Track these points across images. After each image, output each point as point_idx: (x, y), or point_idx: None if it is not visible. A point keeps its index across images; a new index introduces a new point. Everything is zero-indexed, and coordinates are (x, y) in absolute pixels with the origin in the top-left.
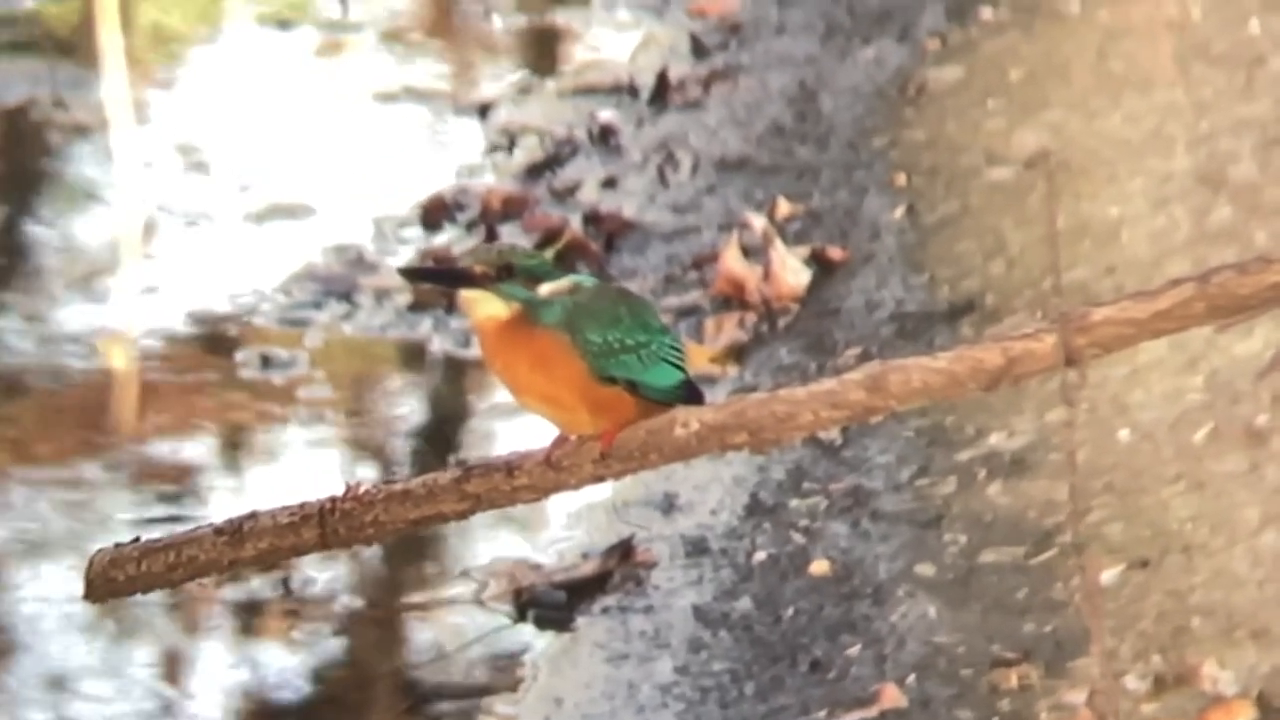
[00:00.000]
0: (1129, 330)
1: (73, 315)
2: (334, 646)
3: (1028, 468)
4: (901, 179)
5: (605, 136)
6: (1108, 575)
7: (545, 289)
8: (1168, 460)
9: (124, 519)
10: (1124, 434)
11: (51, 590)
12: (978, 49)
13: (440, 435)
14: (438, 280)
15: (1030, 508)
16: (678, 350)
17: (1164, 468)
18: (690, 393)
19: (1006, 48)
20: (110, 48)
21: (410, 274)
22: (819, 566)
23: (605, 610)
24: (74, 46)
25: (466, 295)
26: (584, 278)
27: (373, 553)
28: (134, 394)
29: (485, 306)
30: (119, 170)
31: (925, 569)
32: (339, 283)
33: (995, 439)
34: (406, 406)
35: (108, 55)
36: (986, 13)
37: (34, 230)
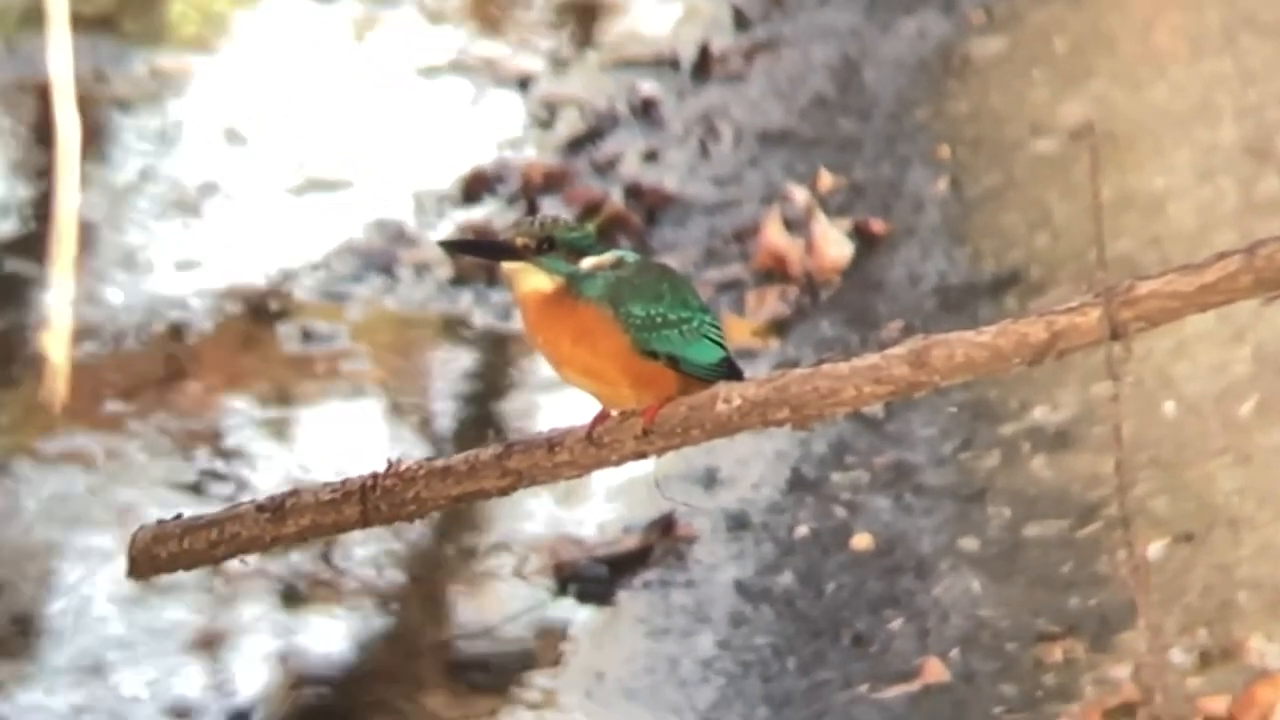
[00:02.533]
0: (1174, 303)
1: (113, 289)
2: (376, 621)
3: (1072, 441)
4: (945, 151)
5: (646, 109)
6: (1153, 549)
7: (587, 262)
8: (1214, 433)
9: (166, 495)
10: (1169, 407)
11: (94, 566)
12: (1022, 20)
13: (481, 410)
14: (479, 253)
15: (1075, 481)
16: (717, 328)
17: (1210, 441)
18: (730, 371)
19: (1051, 18)
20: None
21: (451, 246)
22: (861, 541)
23: (646, 585)
24: (115, 20)
25: (508, 268)
26: (626, 252)
27: (415, 528)
28: (65, 378)
29: (529, 279)
30: (63, 142)
31: (969, 543)
32: (379, 257)
33: (1039, 413)
34: (447, 381)
35: (55, 26)
36: None
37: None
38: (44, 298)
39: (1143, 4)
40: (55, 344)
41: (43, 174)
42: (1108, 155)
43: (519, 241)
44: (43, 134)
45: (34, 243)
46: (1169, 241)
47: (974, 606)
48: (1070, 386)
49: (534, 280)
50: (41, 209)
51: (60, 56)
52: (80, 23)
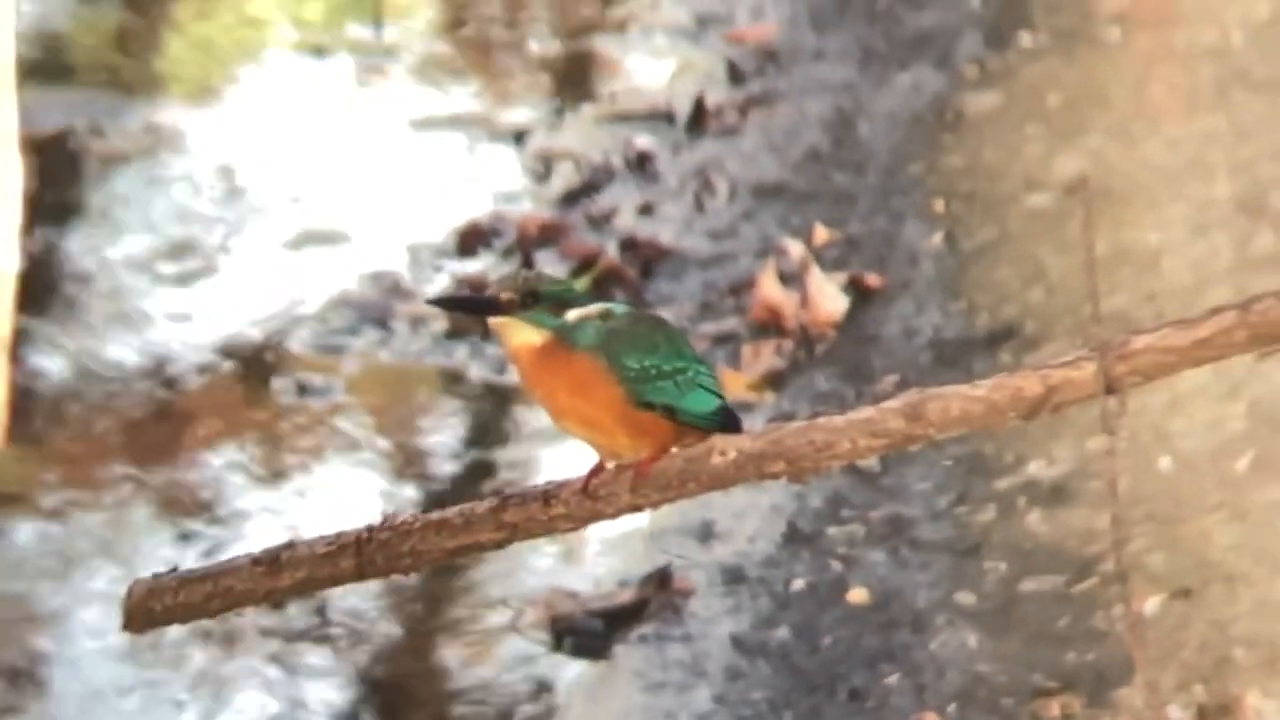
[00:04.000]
0: (1170, 358)
1: (108, 342)
2: (371, 675)
3: (1068, 496)
4: (939, 205)
5: (642, 163)
6: (1150, 605)
7: (573, 314)
8: (1209, 489)
9: (161, 548)
10: (1165, 462)
11: (89, 619)
12: (1016, 75)
13: (477, 463)
14: (465, 309)
15: (1070, 536)
16: (712, 377)
17: (1206, 496)
18: (727, 419)
19: (1045, 74)
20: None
21: (438, 303)
22: (857, 595)
23: (642, 638)
24: (111, 74)
25: (495, 323)
26: (614, 304)
27: (409, 581)
28: (3, 405)
29: (517, 334)
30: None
31: (965, 597)
32: (375, 309)
33: (1035, 467)
34: (443, 434)
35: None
36: (1025, 39)
37: (70, 258)
38: (27, 349)
39: (1136, 60)
40: None
41: (37, 228)
42: (1102, 210)
43: (503, 296)
44: (39, 188)
45: (26, 295)
46: (1164, 297)
47: (970, 661)
48: (1065, 441)
49: (522, 334)
50: (36, 260)
51: (5, 105)
52: (76, 77)
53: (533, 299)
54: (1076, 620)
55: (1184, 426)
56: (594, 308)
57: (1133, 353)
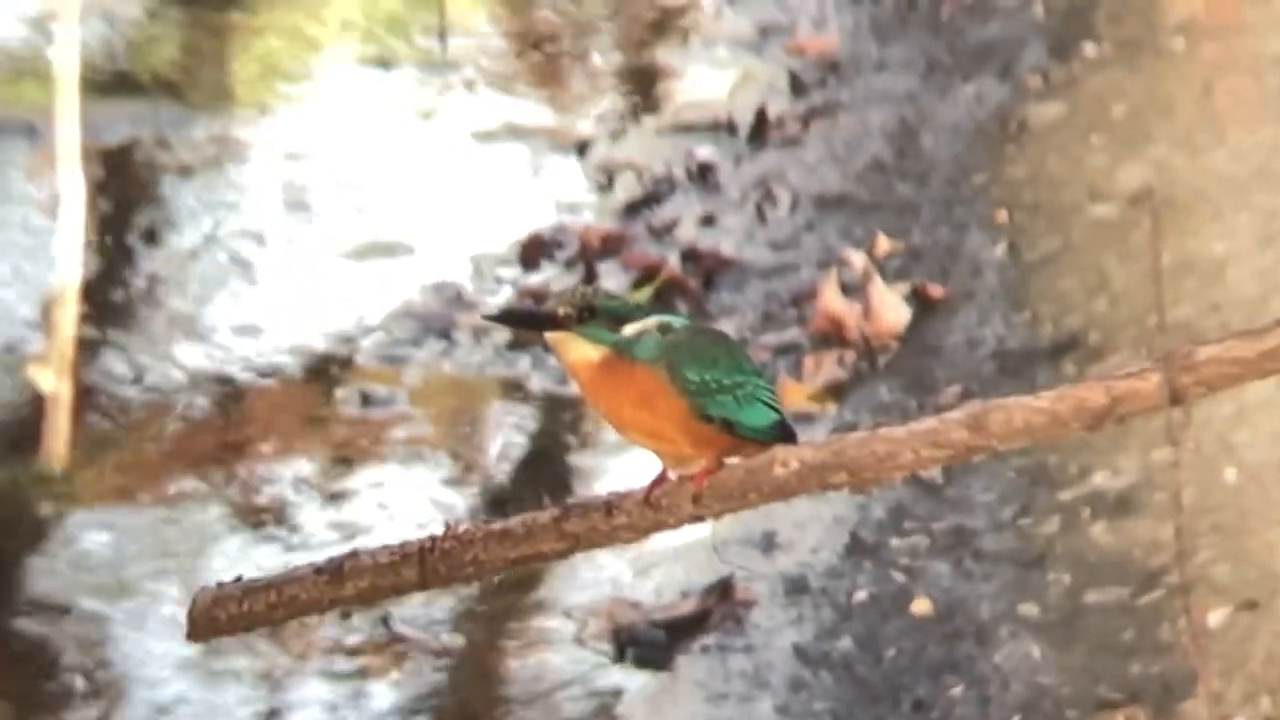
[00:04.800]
0: (1235, 369)
1: (174, 353)
2: (433, 684)
3: (1132, 507)
4: (1003, 216)
5: (704, 174)
6: (1215, 617)
7: (630, 329)
8: (1275, 500)
9: (225, 557)
10: (1230, 473)
11: (153, 628)
12: (1080, 85)
13: (539, 473)
14: (521, 323)
15: (1135, 548)
16: (770, 391)
17: (1272, 508)
18: (785, 433)
19: (1109, 84)
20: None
21: (495, 318)
22: (921, 606)
23: (705, 649)
24: (177, 86)
25: (552, 338)
26: (672, 317)
27: (472, 591)
28: (65, 418)
29: (575, 349)
30: (63, 220)
31: (1029, 609)
32: (438, 320)
33: (1099, 478)
34: (505, 444)
35: (64, 91)
36: (1089, 49)
37: (136, 269)
38: (93, 361)
39: (1201, 69)
40: (56, 408)
41: (104, 240)
42: (1167, 220)
43: (560, 311)
44: (105, 200)
45: (93, 306)
46: (1229, 307)
47: (1034, 673)
48: (1130, 452)
49: (580, 349)
50: (103, 272)
51: (68, 121)
52: (143, 89)
53: (589, 314)
54: (1141, 632)
55: (1250, 437)
56: (651, 321)
57: (1198, 364)
